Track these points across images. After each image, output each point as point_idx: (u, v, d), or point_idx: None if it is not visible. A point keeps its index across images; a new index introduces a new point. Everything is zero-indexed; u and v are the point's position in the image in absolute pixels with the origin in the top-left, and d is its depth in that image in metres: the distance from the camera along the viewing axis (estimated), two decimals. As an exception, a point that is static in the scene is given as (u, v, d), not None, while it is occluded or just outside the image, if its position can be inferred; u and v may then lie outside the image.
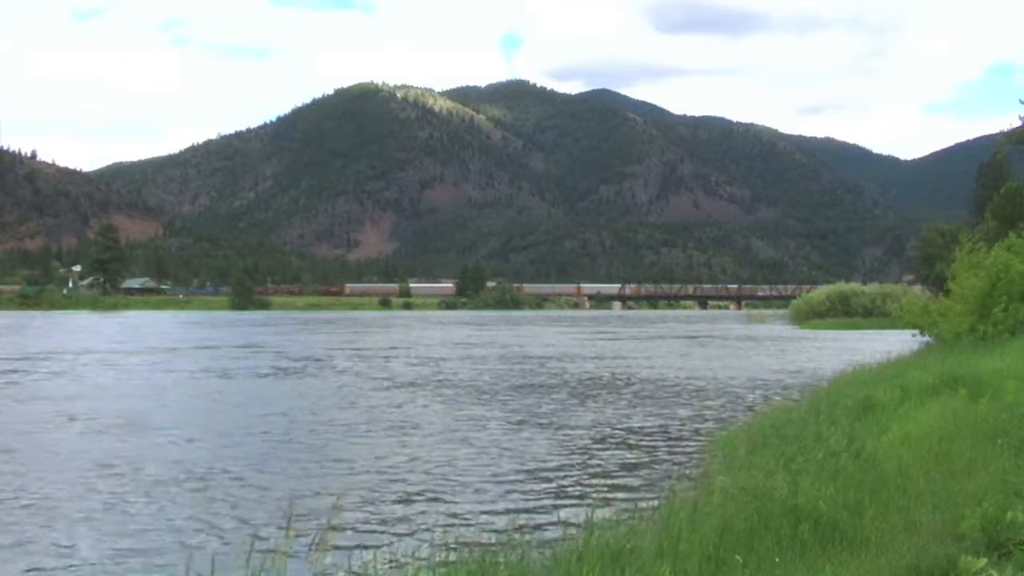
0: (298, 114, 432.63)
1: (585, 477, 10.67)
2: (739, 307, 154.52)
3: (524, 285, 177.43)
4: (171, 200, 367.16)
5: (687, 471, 10.00)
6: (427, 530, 7.84)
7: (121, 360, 30.42)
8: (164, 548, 7.69)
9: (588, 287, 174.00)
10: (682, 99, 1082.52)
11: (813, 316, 69.07)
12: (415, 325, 72.41)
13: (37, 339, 44.58)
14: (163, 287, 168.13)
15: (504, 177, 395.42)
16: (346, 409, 17.14)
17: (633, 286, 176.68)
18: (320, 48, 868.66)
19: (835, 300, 70.36)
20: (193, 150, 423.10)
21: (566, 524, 7.06)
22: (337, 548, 7.09)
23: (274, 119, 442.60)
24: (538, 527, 7.80)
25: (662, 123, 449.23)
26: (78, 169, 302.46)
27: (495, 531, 7.17)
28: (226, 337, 48.69)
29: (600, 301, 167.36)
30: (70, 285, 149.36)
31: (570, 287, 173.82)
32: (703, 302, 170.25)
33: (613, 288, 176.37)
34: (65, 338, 46.03)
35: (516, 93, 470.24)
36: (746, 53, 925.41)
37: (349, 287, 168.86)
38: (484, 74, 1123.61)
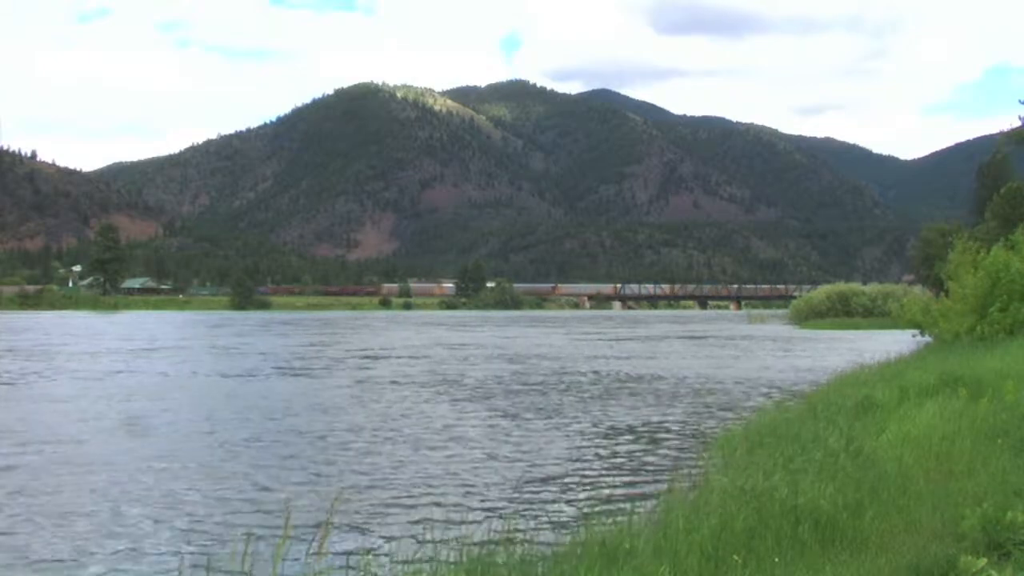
0: (298, 114, 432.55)
1: (583, 477, 10.64)
2: (739, 307, 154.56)
3: (559, 285, 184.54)
4: (171, 200, 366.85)
5: (686, 471, 9.98)
6: (425, 530, 7.82)
7: (110, 360, 30.41)
8: (156, 549, 7.66)
9: (627, 287, 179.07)
10: (682, 99, 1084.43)
11: (813, 316, 69.08)
12: (419, 325, 72.40)
13: (25, 339, 44.59)
14: (163, 287, 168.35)
15: (504, 177, 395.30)
16: (344, 409, 17.12)
17: (667, 286, 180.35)
18: (320, 48, 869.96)
19: (835, 300, 70.36)
20: (193, 150, 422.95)
21: (565, 524, 7.04)
22: (333, 548, 7.07)
23: (274, 119, 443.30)
24: (537, 527, 7.77)
25: (662, 123, 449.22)
26: (78, 169, 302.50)
27: (494, 531, 7.15)
28: (240, 339, 48.66)
29: (600, 301, 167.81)
30: (70, 285, 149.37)
31: (607, 287, 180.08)
32: (703, 302, 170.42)
33: (596, 288, 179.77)
34: (66, 337, 46.04)
35: (516, 93, 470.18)
36: (746, 54, 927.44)
37: (387, 287, 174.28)
38: (484, 74, 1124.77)
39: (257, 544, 5.56)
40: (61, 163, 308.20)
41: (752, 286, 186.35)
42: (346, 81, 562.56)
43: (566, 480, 10.47)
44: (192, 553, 7.20)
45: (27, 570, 7.14)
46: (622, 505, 7.91)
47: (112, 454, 12.07)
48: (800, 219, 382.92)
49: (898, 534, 5.71)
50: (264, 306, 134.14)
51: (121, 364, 28.49)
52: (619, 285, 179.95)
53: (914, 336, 25.67)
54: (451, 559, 5.42)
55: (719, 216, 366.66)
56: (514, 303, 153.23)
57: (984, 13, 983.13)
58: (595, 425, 14.90)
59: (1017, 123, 46.84)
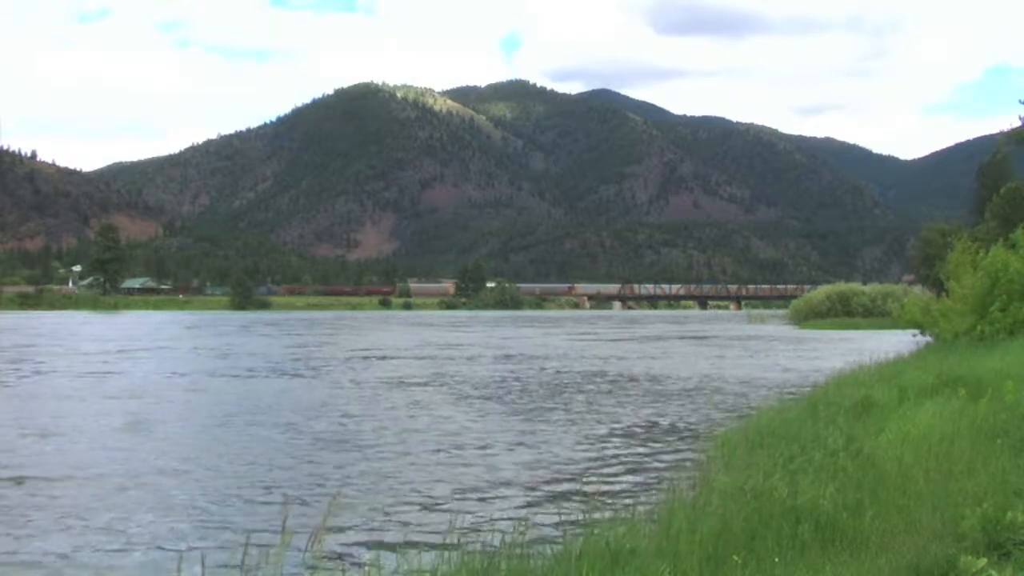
0: (298, 114, 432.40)
1: (584, 477, 10.65)
2: (739, 307, 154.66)
3: (576, 285, 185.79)
4: (171, 200, 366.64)
5: (686, 471, 9.99)
6: (426, 530, 7.83)
7: (105, 360, 30.40)
8: (154, 549, 7.66)
9: (639, 287, 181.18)
10: (682, 99, 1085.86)
11: (813, 316, 69.08)
12: (421, 325, 72.37)
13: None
14: (163, 287, 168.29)
15: (504, 177, 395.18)
16: (343, 410, 17.12)
17: (666, 286, 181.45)
18: (320, 48, 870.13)
19: (835, 300, 70.37)
20: (193, 150, 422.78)
21: (566, 524, 7.04)
22: (332, 549, 7.08)
23: (274, 119, 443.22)
24: (538, 527, 7.78)
25: (662, 123, 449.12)
26: (78, 169, 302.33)
27: (495, 531, 7.16)
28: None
29: (600, 301, 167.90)
30: (70, 285, 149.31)
31: (620, 286, 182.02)
32: (703, 302, 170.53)
33: (613, 288, 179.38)
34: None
35: (516, 93, 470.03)
36: (746, 54, 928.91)
37: (399, 287, 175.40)
38: (484, 74, 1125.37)
39: (255, 544, 5.56)
40: (61, 163, 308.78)
41: (753, 286, 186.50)
42: (346, 81, 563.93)
43: (567, 480, 10.48)
44: (189, 552, 7.19)
45: (21, 568, 7.14)
46: (624, 505, 7.92)
47: (107, 454, 12.07)
48: (800, 219, 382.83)
49: (898, 534, 5.71)
50: (264, 306, 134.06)
51: (118, 364, 28.47)
52: (639, 284, 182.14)
53: (914, 336, 25.65)
54: (452, 559, 5.43)
55: (719, 216, 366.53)
56: (514, 303, 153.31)
57: (984, 13, 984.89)
58: (596, 425, 14.90)
59: (1017, 123, 46.90)
